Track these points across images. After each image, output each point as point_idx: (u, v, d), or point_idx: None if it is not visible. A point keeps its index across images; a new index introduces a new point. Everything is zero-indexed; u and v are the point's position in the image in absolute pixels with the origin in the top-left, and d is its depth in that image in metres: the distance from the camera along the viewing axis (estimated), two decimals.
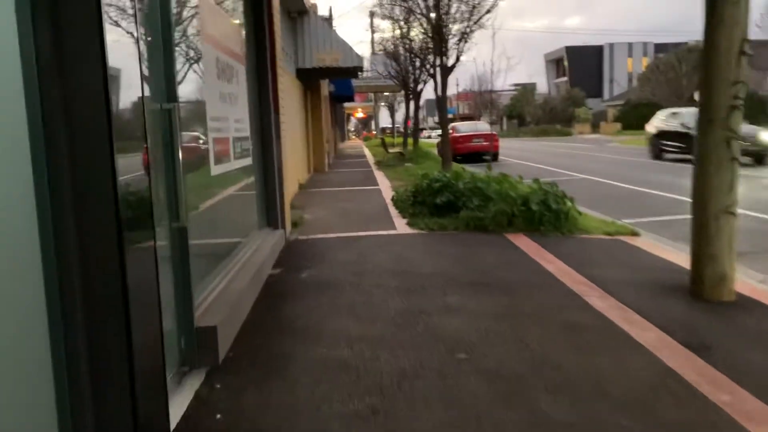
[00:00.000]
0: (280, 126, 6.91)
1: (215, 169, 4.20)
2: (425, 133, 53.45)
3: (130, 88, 2.24)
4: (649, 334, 3.87)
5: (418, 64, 21.47)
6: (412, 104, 25.56)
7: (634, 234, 7.20)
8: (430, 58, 16.45)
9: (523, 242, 6.56)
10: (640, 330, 3.93)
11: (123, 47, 2.17)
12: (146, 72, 3.03)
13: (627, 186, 13.10)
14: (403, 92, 28.85)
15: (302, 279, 5.22)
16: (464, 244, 6.53)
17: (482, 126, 23.02)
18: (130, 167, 2.18)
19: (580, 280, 5.06)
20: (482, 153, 21.77)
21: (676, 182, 13.26)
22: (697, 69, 38.77)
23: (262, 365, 3.38)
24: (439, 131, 38.03)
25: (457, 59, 13.26)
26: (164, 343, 3.17)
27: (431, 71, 14.16)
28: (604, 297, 4.61)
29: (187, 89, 3.74)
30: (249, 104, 6.06)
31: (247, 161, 5.53)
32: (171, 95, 3.21)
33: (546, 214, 7.06)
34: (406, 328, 3.93)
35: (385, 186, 12.71)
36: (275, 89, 6.73)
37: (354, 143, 51.57)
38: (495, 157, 22.66)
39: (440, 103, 13.94)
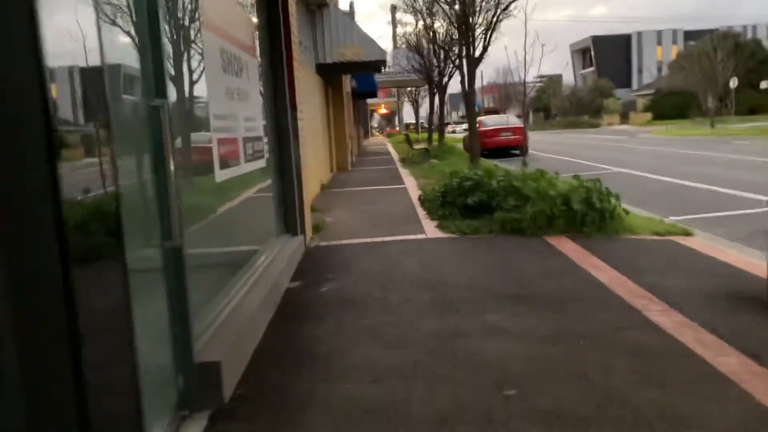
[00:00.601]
0: (298, 124, 6.40)
1: (221, 174, 3.70)
2: (449, 128, 52.59)
3: (86, 79, 1.73)
4: (729, 359, 3.26)
5: (442, 56, 20.82)
6: (436, 99, 24.92)
7: (687, 234, 6.53)
8: (456, 49, 15.81)
9: (567, 246, 5.95)
10: (718, 354, 3.32)
11: (74, 26, 1.66)
12: (125, 62, 2.53)
13: (668, 179, 12.32)
14: (426, 86, 28.24)
15: (323, 294, 4.70)
16: (501, 250, 5.95)
17: (510, 119, 22.23)
18: (83, 176, 1.67)
19: (637, 291, 4.45)
20: (510, 147, 21.06)
21: (722, 175, 12.45)
22: (732, 55, 37.40)
23: (276, 407, 2.86)
24: (464, 125, 37.15)
25: (485, 49, 12.62)
26: (158, 384, 2.69)
27: (457, 62, 13.52)
28: (667, 312, 4.00)
29: (182, 84, 3.24)
30: (263, 101, 5.56)
31: (261, 163, 5.02)
32: (160, 90, 2.71)
33: (589, 214, 6.43)
34: (442, 356, 3.38)
35: (411, 185, 12.15)
36: (292, 84, 6.22)
37: (377, 140, 51.07)
38: (524, 151, 21.91)
39: (467, 95, 13.31)
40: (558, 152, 22.46)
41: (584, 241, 6.11)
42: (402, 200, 9.84)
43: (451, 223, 6.98)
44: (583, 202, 6.49)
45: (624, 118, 54.54)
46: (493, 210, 6.98)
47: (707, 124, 35.74)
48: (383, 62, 13.42)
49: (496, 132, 20.92)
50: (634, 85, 73.24)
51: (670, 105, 48.70)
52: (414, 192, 10.82)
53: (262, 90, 5.62)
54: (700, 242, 6.20)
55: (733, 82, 37.07)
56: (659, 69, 71.17)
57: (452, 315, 4.05)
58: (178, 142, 3.07)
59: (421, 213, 8.22)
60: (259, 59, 5.45)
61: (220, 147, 3.71)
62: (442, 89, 22.68)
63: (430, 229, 7.02)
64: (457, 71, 22.07)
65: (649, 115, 50.18)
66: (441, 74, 22.34)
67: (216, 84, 3.73)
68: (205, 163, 3.53)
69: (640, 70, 75.12)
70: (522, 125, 22.04)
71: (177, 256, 2.77)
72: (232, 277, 3.98)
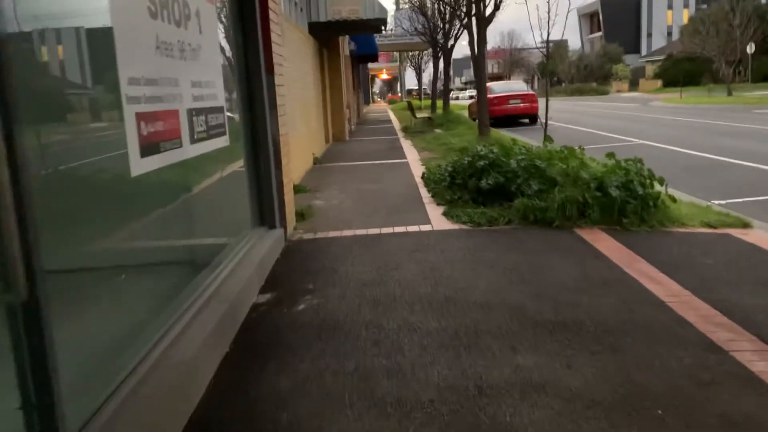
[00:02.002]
0: (277, 91, 5.24)
1: (143, 164, 2.57)
2: (453, 95, 50.94)
3: None
4: None
5: (447, 16, 19.34)
6: (441, 63, 23.48)
7: (746, 225, 5.41)
8: (464, 8, 14.42)
9: (606, 243, 4.84)
10: None
11: None
12: None
13: (698, 154, 11.13)
14: (431, 50, 26.82)
15: (298, 315, 3.61)
16: (526, 249, 4.84)
17: (519, 86, 20.85)
18: None
19: (711, 316, 3.36)
20: (519, 116, 19.79)
21: (758, 149, 11.25)
22: (752, 19, 35.60)
23: None
24: (469, 92, 35.63)
25: (497, 7, 11.30)
26: None
27: (465, 22, 12.20)
28: (764, 352, 2.92)
29: (55, 30, 2.10)
30: (226, 63, 4.40)
31: (220, 142, 3.89)
32: None
33: (630, 202, 5.31)
34: None
35: (413, 158, 10.98)
36: (268, 43, 5.04)
37: (378, 106, 49.54)
38: (534, 119, 20.64)
39: (477, 59, 12.03)
40: (569, 121, 21.15)
41: (625, 237, 5.00)
42: (403, 178, 8.70)
43: (462, 210, 5.86)
44: (621, 188, 5.36)
45: (633, 85, 52.79)
46: (511, 195, 5.85)
47: (722, 91, 34.24)
48: (383, 21, 12.10)
49: (505, 99, 19.56)
50: (643, 50, 71.13)
51: (682, 71, 47.04)
52: (417, 168, 9.68)
53: (227, 49, 4.45)
54: (764, 237, 5.10)
55: (750, 48, 35.41)
56: (669, 34, 68.97)
57: (471, 355, 2.97)
58: (45, 120, 1.95)
59: (425, 195, 7.10)
60: (222, 7, 4.27)
61: (143, 125, 2.57)
62: (447, 52, 21.23)
63: (437, 218, 5.90)
64: (464, 33, 20.67)
65: (659, 82, 48.47)
66: (446, 36, 20.89)
67: (134, 34, 2.58)
68: (111, 150, 2.40)
69: (649, 35, 72.87)
70: (533, 92, 20.73)
71: (31, 315, 1.67)
72: (168, 303, 2.89)
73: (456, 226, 5.57)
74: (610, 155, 5.99)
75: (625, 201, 5.32)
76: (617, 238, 4.96)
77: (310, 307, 3.71)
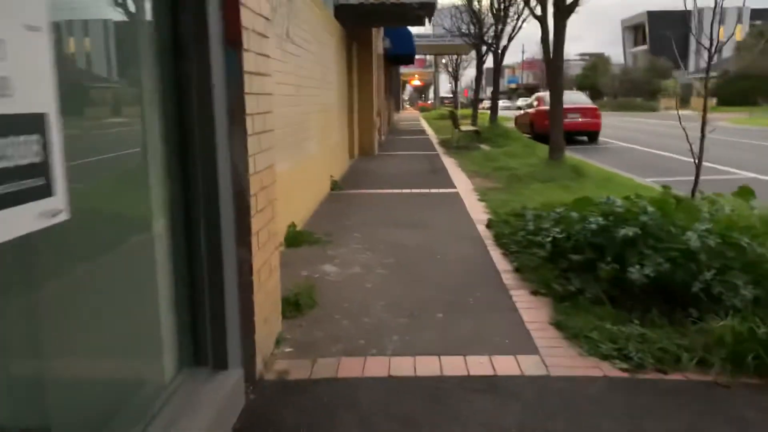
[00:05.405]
0: (249, 85, 2.58)
1: None
2: (484, 104, 47.74)
3: None
4: None
5: (502, 11, 16.49)
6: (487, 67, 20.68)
7: None
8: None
9: None
10: None
11: None
12: None
13: None
14: (471, 54, 24.13)
15: None
16: None
17: (579, 97, 17.89)
18: None
19: None
20: (578, 132, 16.87)
21: None
22: None
23: None
24: (521, 101, 32.66)
25: None
26: None
27: (536, 11, 9.45)
28: None
29: None
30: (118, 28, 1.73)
31: (34, 215, 1.20)
32: None
33: None
34: None
35: (465, 187, 8.22)
36: None
37: (409, 114, 46.83)
38: (595, 137, 17.72)
39: (551, 59, 9.24)
40: (634, 141, 18.12)
41: None
42: (459, 223, 5.95)
43: (593, 324, 3.09)
44: None
45: (684, 102, 49.20)
46: (687, 297, 3.07)
47: None
48: (431, 7, 9.36)
49: (563, 113, 16.61)
50: (691, 67, 67.36)
51: (738, 90, 43.54)
52: (473, 203, 6.93)
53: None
54: None
55: None
56: (720, 50, 65.11)
57: None
58: None
59: (503, 267, 4.35)
60: None
61: None
62: (499, 54, 18.34)
63: (544, 336, 3.14)
64: (515, 31, 17.89)
65: (714, 101, 44.91)
66: (497, 35, 18.08)
67: None
68: None
69: (697, 51, 69.10)
70: (595, 106, 17.82)
71: None
72: None
73: (591, 365, 2.81)
74: None
75: None
76: None
77: None
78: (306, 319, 3.43)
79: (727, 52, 57.44)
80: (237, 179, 2.51)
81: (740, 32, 58.59)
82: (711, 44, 5.61)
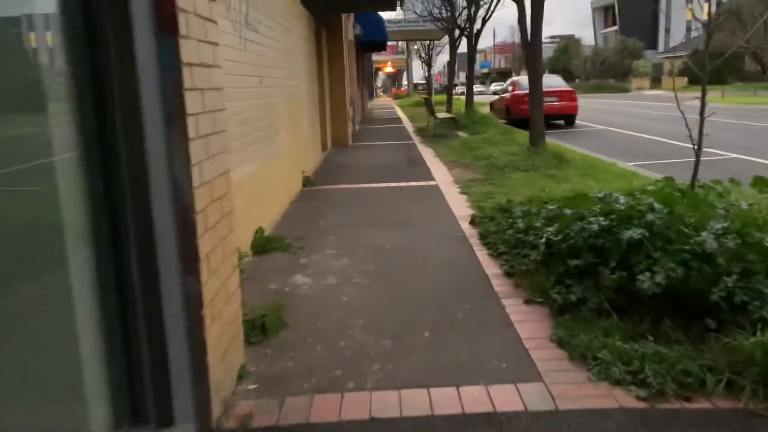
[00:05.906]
0: (195, 78, 2.12)
1: None
2: (457, 90, 47.28)
3: None
4: None
5: None
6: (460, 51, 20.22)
7: None
8: None
9: None
10: None
11: None
12: None
13: None
14: (444, 39, 23.69)
15: None
16: None
17: (555, 81, 17.54)
18: None
19: None
20: (556, 116, 16.57)
21: None
22: None
23: None
24: (494, 86, 32.15)
25: None
26: None
27: None
28: None
29: None
30: None
31: None
32: None
33: None
34: None
35: (444, 179, 7.83)
36: None
37: (384, 101, 46.21)
38: (572, 121, 17.45)
39: (529, 41, 8.85)
40: (612, 124, 17.87)
41: None
42: (441, 220, 5.56)
43: (598, 340, 2.72)
44: None
45: (655, 82, 49.32)
46: (702, 306, 2.72)
47: (754, 90, 31.09)
48: None
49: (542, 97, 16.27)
50: (661, 46, 67.77)
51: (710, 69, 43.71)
52: (454, 197, 6.54)
53: None
54: None
55: None
56: (688, 29, 65.62)
57: None
58: None
59: (493, 270, 3.97)
60: None
61: None
62: (473, 37, 17.85)
63: (544, 356, 2.76)
64: (489, 14, 17.46)
65: (684, 80, 45.06)
66: (471, 19, 17.62)
67: None
68: None
69: (667, 31, 69.45)
70: (572, 89, 17.57)
71: None
72: None
73: (603, 393, 2.44)
74: None
75: None
76: None
77: None
78: (274, 345, 3.01)
79: (696, 32, 57.84)
80: (178, 195, 2.06)
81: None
82: (709, 21, 5.18)
